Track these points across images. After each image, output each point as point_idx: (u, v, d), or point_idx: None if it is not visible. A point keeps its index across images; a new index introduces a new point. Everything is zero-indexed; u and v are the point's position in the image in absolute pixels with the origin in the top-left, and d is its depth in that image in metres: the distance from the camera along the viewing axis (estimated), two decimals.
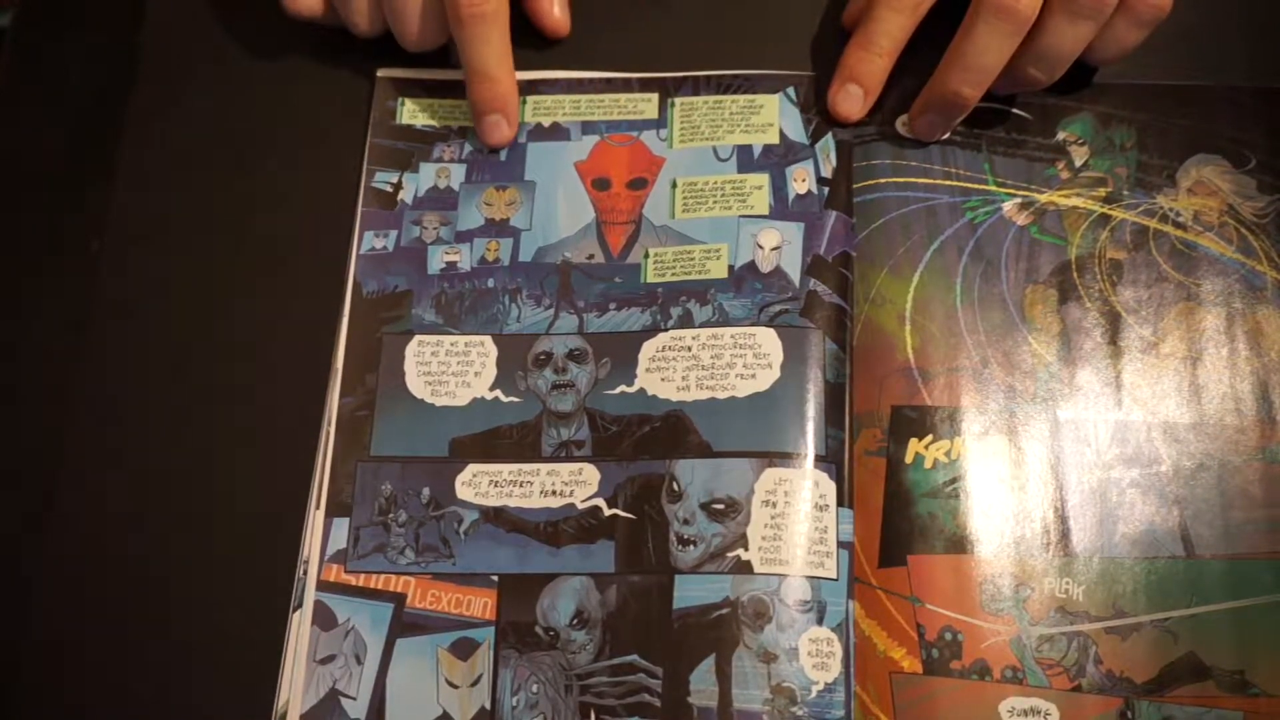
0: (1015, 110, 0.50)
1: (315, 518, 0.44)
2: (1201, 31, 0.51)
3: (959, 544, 0.44)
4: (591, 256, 0.48)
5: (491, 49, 0.47)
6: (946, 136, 0.49)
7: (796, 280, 0.47)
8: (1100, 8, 0.44)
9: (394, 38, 0.49)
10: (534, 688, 0.42)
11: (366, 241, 0.49)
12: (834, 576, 0.42)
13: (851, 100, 0.49)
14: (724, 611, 0.42)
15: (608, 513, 0.44)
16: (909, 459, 0.45)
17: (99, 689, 0.43)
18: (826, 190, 0.48)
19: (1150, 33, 0.46)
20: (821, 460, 0.44)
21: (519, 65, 0.50)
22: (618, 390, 0.46)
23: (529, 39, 0.51)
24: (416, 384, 0.46)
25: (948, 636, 0.42)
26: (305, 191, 0.50)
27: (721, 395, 0.45)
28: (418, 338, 0.47)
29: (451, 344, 0.47)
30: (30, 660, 0.43)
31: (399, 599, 0.43)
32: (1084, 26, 0.45)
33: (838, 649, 0.42)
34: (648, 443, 0.45)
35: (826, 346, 0.45)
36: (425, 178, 0.50)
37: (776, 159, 0.49)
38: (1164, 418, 0.45)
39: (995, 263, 0.48)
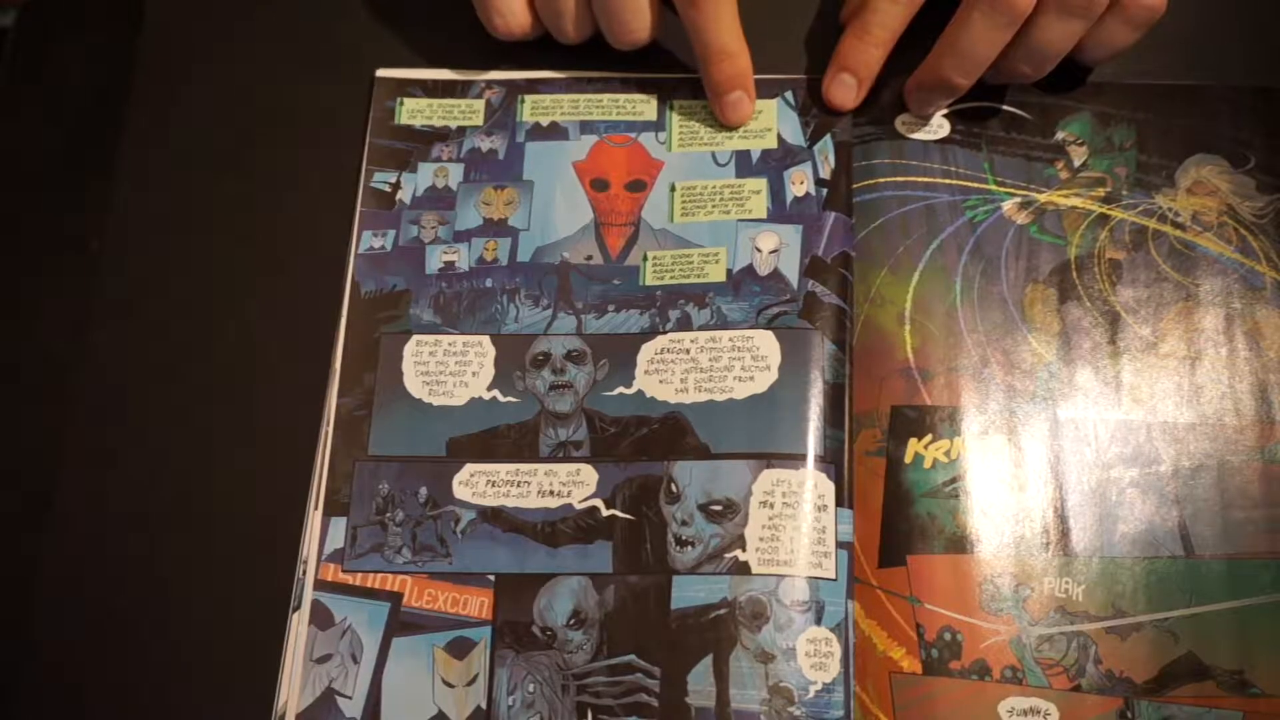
0: (1015, 110, 0.50)
1: (314, 518, 0.45)
2: (1201, 31, 0.51)
3: (958, 544, 0.44)
4: (590, 258, 0.48)
5: (726, 24, 0.47)
6: (946, 135, 0.49)
7: (795, 282, 0.47)
8: (1091, 6, 0.44)
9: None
10: (530, 687, 0.42)
11: (365, 241, 0.49)
12: (833, 577, 0.42)
13: (845, 89, 0.49)
14: (722, 612, 0.42)
15: (605, 513, 0.44)
16: (909, 459, 0.45)
17: (99, 689, 0.43)
18: (825, 191, 0.48)
19: (1143, 34, 0.46)
20: (821, 461, 0.44)
21: (516, 64, 0.50)
22: (616, 392, 0.46)
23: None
24: (414, 384, 0.46)
25: (947, 636, 0.42)
26: (304, 191, 0.50)
27: (720, 397, 0.45)
28: (416, 337, 0.47)
29: (449, 344, 0.47)
30: (30, 660, 0.43)
31: (396, 598, 0.43)
32: (1074, 24, 0.45)
33: (836, 649, 0.42)
34: (646, 444, 0.45)
35: (826, 347, 0.45)
36: (423, 177, 0.50)
37: (775, 163, 0.49)
38: (1163, 417, 0.45)
39: (995, 261, 0.47)
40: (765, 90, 0.50)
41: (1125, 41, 0.47)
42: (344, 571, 0.44)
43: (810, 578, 0.42)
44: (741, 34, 0.48)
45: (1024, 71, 0.47)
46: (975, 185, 0.49)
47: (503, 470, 0.45)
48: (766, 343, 0.46)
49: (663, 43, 0.51)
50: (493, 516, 0.44)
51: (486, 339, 0.47)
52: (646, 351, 0.46)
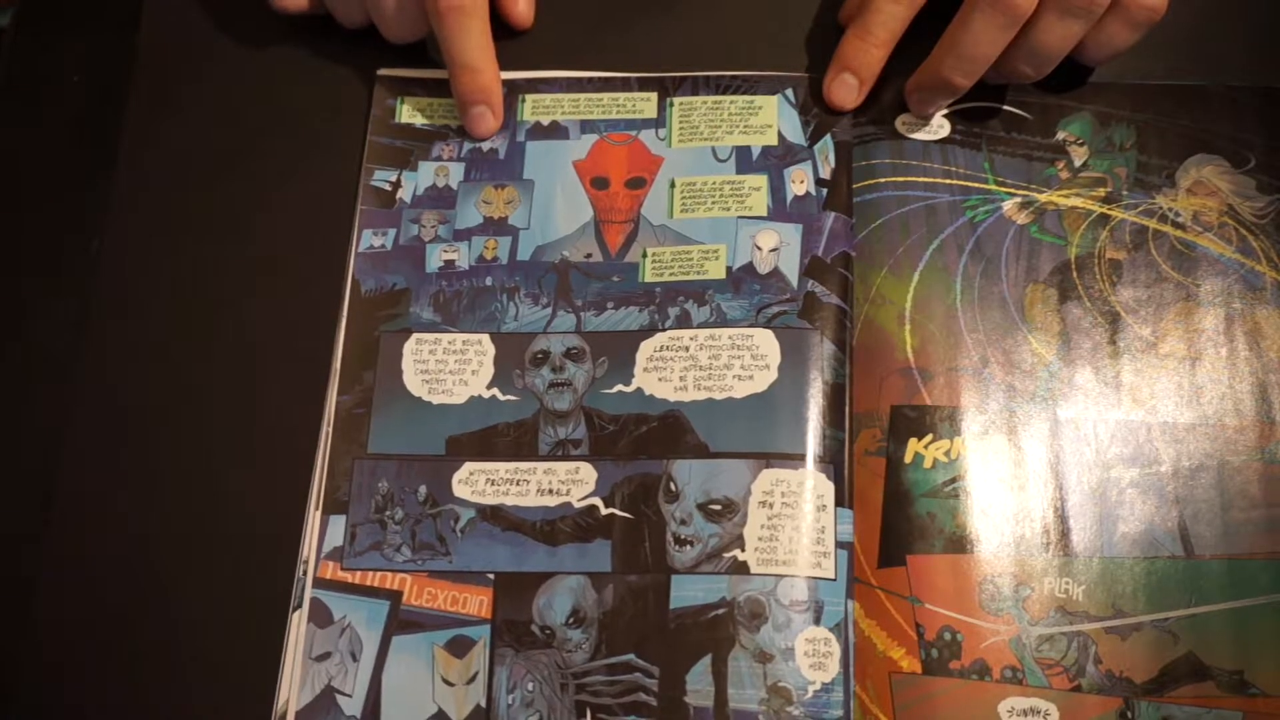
0: (1015, 110, 0.50)
1: (313, 516, 0.45)
2: (1201, 31, 0.51)
3: (958, 544, 0.43)
4: (590, 255, 0.48)
5: (471, 40, 0.48)
6: (946, 135, 0.49)
7: (794, 281, 0.47)
8: (1091, 7, 0.45)
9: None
10: (530, 686, 0.42)
11: (365, 240, 0.49)
12: (832, 577, 0.42)
13: (846, 89, 0.49)
14: (720, 612, 0.42)
15: (604, 512, 0.44)
16: (908, 459, 0.45)
17: (99, 689, 0.43)
18: (825, 191, 0.48)
19: (1143, 34, 0.46)
20: (820, 461, 0.44)
21: (520, 64, 0.50)
22: (615, 390, 0.46)
23: (530, 37, 0.51)
24: (414, 382, 0.46)
25: (947, 636, 0.42)
26: (304, 190, 0.50)
27: (719, 396, 0.45)
28: (415, 336, 0.47)
29: (449, 342, 0.47)
30: (30, 660, 0.43)
31: (395, 596, 0.43)
32: (1074, 24, 0.45)
33: (835, 649, 0.42)
34: (645, 443, 0.45)
35: (825, 347, 0.45)
36: (424, 176, 0.50)
37: (775, 160, 0.49)
38: (1163, 418, 0.45)
39: (995, 261, 0.47)
40: (765, 86, 0.50)
41: (1125, 42, 0.47)
42: (343, 569, 0.44)
43: (809, 577, 0.42)
44: (489, 49, 0.48)
45: (1024, 72, 0.47)
46: (975, 185, 0.49)
47: (502, 469, 0.45)
48: (766, 342, 0.46)
49: (664, 41, 0.51)
50: (492, 515, 0.44)
51: (486, 337, 0.47)
52: (646, 349, 0.46)
